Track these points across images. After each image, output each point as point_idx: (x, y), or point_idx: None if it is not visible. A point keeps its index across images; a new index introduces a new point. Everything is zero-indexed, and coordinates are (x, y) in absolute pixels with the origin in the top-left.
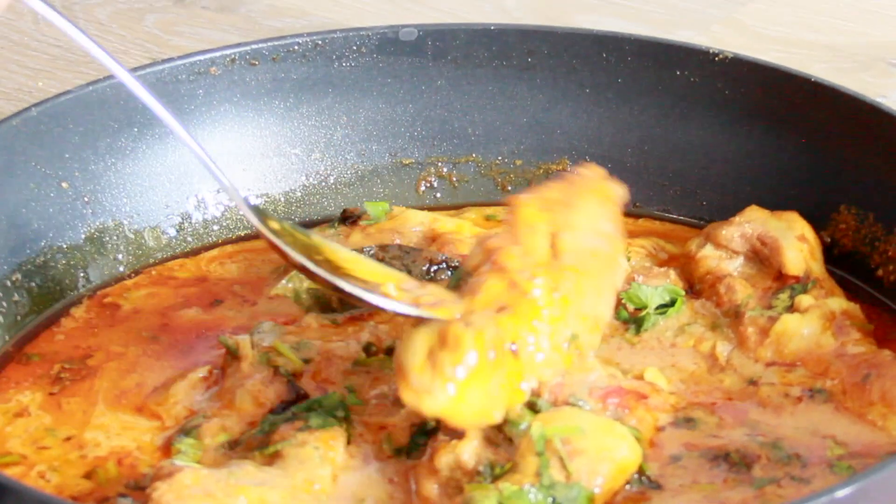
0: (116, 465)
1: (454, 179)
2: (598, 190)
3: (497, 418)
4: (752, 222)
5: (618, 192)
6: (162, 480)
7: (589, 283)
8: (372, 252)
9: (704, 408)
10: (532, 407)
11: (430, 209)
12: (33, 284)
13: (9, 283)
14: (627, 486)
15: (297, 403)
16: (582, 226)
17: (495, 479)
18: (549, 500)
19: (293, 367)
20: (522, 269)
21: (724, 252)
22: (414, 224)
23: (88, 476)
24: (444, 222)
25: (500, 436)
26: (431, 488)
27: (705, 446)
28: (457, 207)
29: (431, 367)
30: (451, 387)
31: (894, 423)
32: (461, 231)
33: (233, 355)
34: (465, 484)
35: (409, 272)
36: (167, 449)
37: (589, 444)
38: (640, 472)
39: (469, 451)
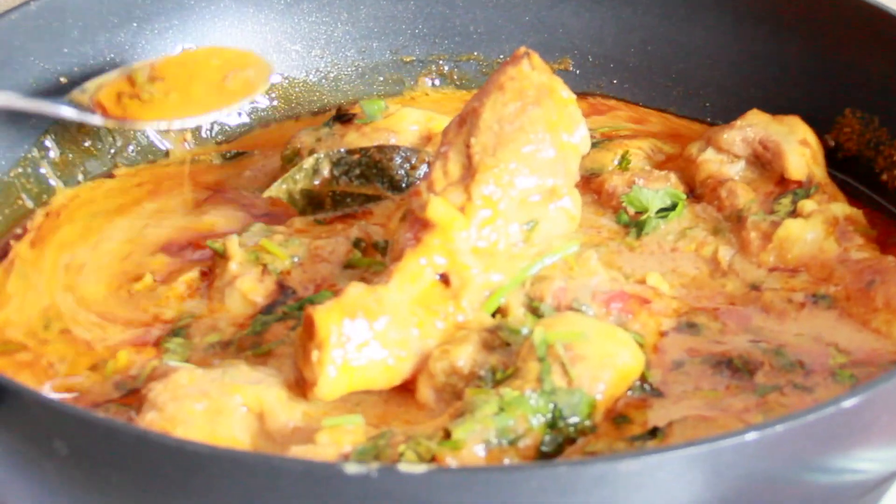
0: (114, 361)
1: (455, 77)
2: (505, 77)
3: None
4: (754, 126)
5: (526, 66)
6: (157, 381)
7: (512, 168)
8: (370, 153)
9: (707, 313)
10: (535, 311)
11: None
12: (32, 179)
13: (7, 179)
14: (629, 393)
15: (286, 302)
16: (486, 122)
17: (496, 383)
18: (551, 406)
19: (282, 265)
20: (421, 202)
21: (726, 156)
22: (410, 123)
23: (94, 368)
24: (439, 121)
25: (497, 340)
26: (428, 393)
27: (708, 352)
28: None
29: (306, 359)
30: (332, 369)
31: None
32: None
33: (221, 256)
34: (461, 389)
35: (408, 175)
36: (158, 348)
37: (591, 349)
38: (643, 378)
39: (464, 357)
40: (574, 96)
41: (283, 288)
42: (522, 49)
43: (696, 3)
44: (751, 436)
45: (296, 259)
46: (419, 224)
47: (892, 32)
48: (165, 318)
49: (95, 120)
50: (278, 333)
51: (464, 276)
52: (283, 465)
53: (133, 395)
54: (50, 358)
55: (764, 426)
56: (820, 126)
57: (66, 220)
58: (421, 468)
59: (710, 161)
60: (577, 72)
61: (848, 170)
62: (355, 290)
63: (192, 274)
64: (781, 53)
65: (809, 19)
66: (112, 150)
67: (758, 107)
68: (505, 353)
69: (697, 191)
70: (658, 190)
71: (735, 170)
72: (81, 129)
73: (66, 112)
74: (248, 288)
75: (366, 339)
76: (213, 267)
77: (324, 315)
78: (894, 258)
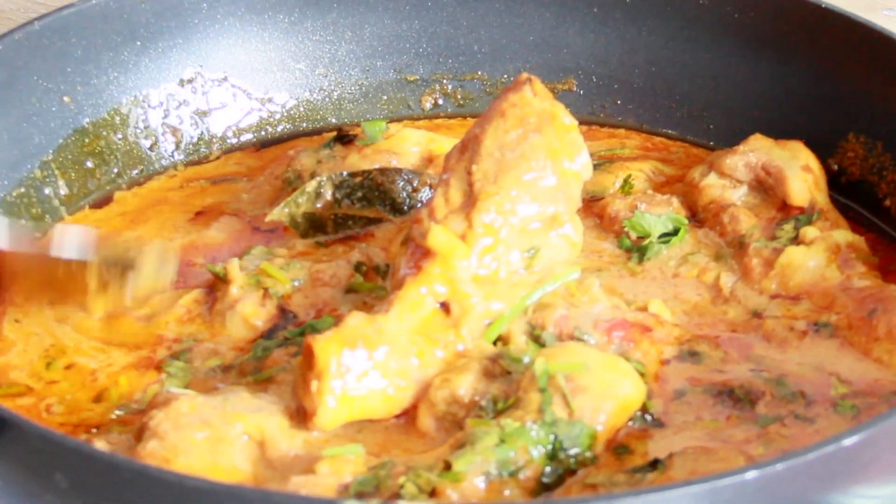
0: (117, 388)
1: (459, 97)
2: (506, 104)
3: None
4: (757, 151)
5: (528, 93)
6: (158, 409)
7: (513, 196)
8: (372, 176)
9: (709, 341)
10: (536, 340)
11: (434, 127)
12: (34, 200)
13: (10, 199)
14: (630, 423)
15: (287, 327)
16: (487, 149)
17: (497, 413)
18: (551, 437)
19: (283, 289)
20: (422, 230)
21: (728, 181)
22: (411, 144)
23: (98, 400)
24: (441, 143)
25: (498, 368)
26: (429, 422)
27: (709, 381)
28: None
29: (305, 390)
30: (331, 399)
31: None
32: None
33: (221, 280)
34: (462, 418)
35: (409, 198)
36: (159, 372)
37: (593, 380)
38: (644, 408)
39: (465, 385)
40: (576, 123)
41: (283, 312)
42: (524, 75)
43: (700, 26)
44: (750, 474)
45: (297, 283)
46: (420, 252)
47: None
48: (167, 339)
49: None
50: (279, 360)
51: (464, 304)
52: (283, 501)
53: (136, 416)
54: (50, 400)
55: (764, 465)
56: (823, 150)
57: None
58: None
59: (713, 186)
60: (581, 92)
61: (851, 195)
62: (355, 320)
63: (192, 296)
64: (786, 77)
65: (814, 44)
66: (115, 170)
67: (762, 130)
68: (506, 381)
69: (699, 215)
70: (660, 215)
71: (737, 195)
72: (85, 148)
73: None
74: (249, 312)
75: (365, 368)
76: (213, 290)
77: (323, 345)
78: None
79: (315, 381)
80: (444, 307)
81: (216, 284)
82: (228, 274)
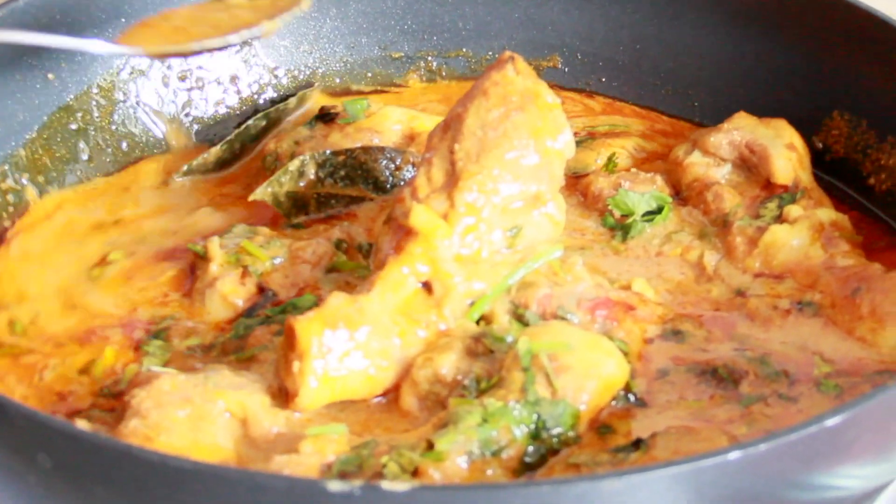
0: (102, 360)
1: (444, 74)
2: (489, 82)
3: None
4: (741, 129)
5: (510, 71)
6: (140, 387)
7: (496, 175)
8: (355, 154)
9: (692, 320)
10: (520, 319)
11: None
12: (20, 177)
13: None
14: (613, 403)
15: (266, 305)
16: (469, 128)
17: (480, 393)
18: (534, 416)
19: (262, 267)
20: (404, 209)
21: (712, 159)
22: (393, 122)
23: (84, 371)
24: (422, 121)
25: (481, 347)
26: (411, 401)
27: (693, 360)
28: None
29: (287, 370)
30: (312, 379)
31: (883, 338)
32: None
33: (202, 258)
34: (445, 398)
35: (392, 176)
36: (138, 351)
37: (576, 360)
38: (627, 388)
39: (447, 365)
40: (559, 101)
41: (262, 291)
42: (507, 53)
43: (685, 3)
44: (733, 455)
45: (277, 261)
46: (402, 231)
47: (881, 35)
48: (143, 319)
49: (127, 50)
50: (261, 338)
51: (446, 284)
52: (266, 482)
53: (116, 398)
54: (43, 362)
55: (747, 445)
56: (808, 128)
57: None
58: (404, 486)
59: (697, 164)
60: (566, 69)
61: (835, 172)
62: (336, 300)
63: (169, 276)
64: (771, 55)
65: (799, 21)
66: (99, 147)
67: (746, 108)
68: (489, 360)
69: (683, 194)
70: (644, 193)
71: (721, 173)
72: (68, 125)
73: (93, 45)
74: (228, 290)
75: (347, 349)
76: (193, 269)
77: (304, 325)
78: (880, 265)
79: (296, 361)
80: (427, 287)
81: (196, 263)
82: (208, 252)
